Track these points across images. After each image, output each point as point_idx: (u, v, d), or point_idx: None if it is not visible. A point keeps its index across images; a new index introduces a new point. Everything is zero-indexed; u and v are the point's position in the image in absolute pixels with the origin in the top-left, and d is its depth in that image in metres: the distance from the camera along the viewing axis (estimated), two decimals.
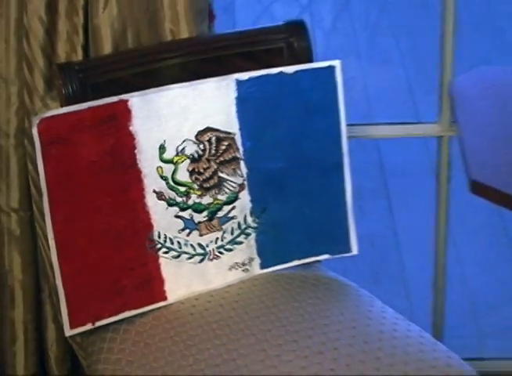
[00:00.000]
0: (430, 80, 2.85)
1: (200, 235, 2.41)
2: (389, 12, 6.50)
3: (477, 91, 2.60)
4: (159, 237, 2.37)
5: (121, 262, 2.36)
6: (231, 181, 2.41)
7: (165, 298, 2.40)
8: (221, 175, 2.39)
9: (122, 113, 2.27)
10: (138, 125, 2.29)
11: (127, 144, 2.29)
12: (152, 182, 2.33)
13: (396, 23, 6.20)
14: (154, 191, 2.34)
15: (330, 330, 2.30)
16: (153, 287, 2.39)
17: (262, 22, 2.43)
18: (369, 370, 2.20)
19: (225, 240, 2.43)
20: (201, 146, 2.36)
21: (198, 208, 2.39)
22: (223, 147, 2.38)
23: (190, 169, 2.36)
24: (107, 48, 2.47)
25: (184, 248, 2.40)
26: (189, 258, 2.41)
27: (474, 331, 3.29)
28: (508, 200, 2.17)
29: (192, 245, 2.41)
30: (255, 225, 2.45)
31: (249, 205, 2.43)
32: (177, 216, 2.38)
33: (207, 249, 2.42)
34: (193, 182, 2.37)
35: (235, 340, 2.27)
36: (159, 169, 2.33)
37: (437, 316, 3.07)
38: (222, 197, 2.41)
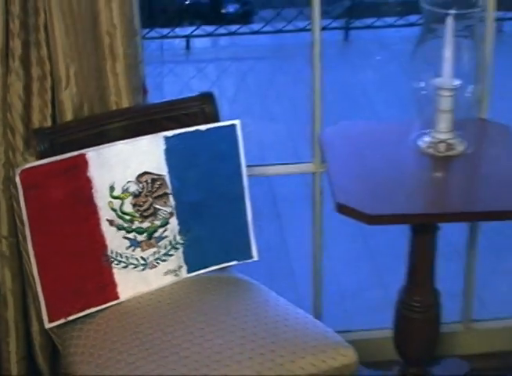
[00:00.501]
0: (306, 132, 2.88)
1: (142, 250, 2.44)
2: (275, 83, 6.55)
3: (339, 139, 2.63)
4: (112, 253, 2.40)
5: (84, 272, 2.38)
6: (163, 210, 2.44)
7: (118, 298, 2.43)
8: (156, 206, 2.43)
9: (81, 164, 2.30)
10: (94, 172, 2.32)
11: (85, 186, 2.32)
12: (105, 213, 2.36)
13: (281, 91, 6.24)
14: (107, 219, 2.37)
15: (239, 316, 2.35)
16: (108, 289, 2.41)
17: (183, 94, 2.47)
18: (268, 343, 2.25)
19: (161, 254, 2.46)
20: (140, 185, 2.39)
21: (140, 231, 2.42)
22: (156, 186, 2.41)
23: (133, 203, 2.40)
24: (69, 116, 2.48)
25: (130, 260, 2.42)
26: (135, 267, 2.43)
27: (342, 311, 3.33)
28: (362, 215, 2.23)
29: (136, 258, 2.43)
30: (182, 241, 2.48)
31: (177, 227, 2.47)
32: (124, 237, 2.40)
33: (148, 260, 2.45)
34: (135, 212, 2.40)
35: (170, 326, 2.31)
36: (110, 203, 2.36)
37: (316, 303, 3.11)
38: (157, 222, 2.44)
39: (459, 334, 3.21)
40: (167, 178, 2.43)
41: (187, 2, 9.69)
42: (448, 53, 2.38)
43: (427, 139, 2.50)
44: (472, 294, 3.18)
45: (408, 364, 2.69)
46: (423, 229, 2.46)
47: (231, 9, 10.12)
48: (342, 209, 2.25)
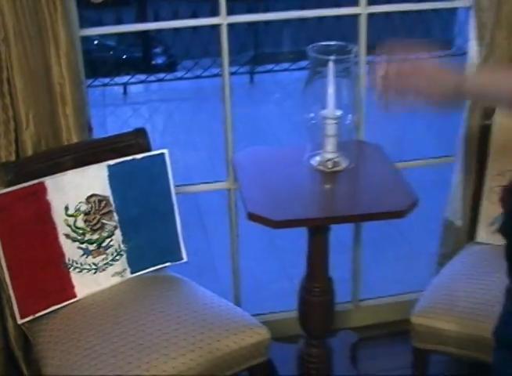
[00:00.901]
0: (222, 157, 2.88)
1: (93, 257, 2.42)
2: (197, 119, 6.57)
3: (248, 161, 2.64)
4: (69, 261, 2.38)
5: (47, 277, 2.37)
6: (109, 224, 2.43)
7: (75, 297, 2.41)
8: (103, 221, 2.41)
9: (41, 190, 2.29)
10: (51, 196, 2.30)
11: (45, 207, 2.30)
12: (62, 229, 2.34)
13: (201, 126, 6.26)
14: (64, 234, 2.35)
15: (174, 306, 2.35)
16: (67, 290, 2.40)
17: (122, 130, 2.46)
18: (199, 327, 2.26)
19: (108, 259, 2.45)
20: (90, 205, 2.38)
21: (91, 242, 2.41)
22: (103, 205, 2.40)
23: (84, 219, 2.38)
24: (29, 152, 2.45)
25: (84, 266, 2.41)
26: (88, 271, 2.42)
27: (257, 299, 3.34)
28: (269, 221, 2.24)
29: (89, 264, 2.42)
30: (125, 248, 2.47)
31: (121, 237, 2.46)
32: (78, 247, 2.39)
33: (98, 265, 2.43)
34: (87, 226, 2.39)
35: (119, 317, 2.31)
36: (65, 221, 2.35)
37: (236, 293, 3.11)
38: (105, 234, 2.42)
39: (350, 311, 3.23)
40: (111, 199, 2.42)
41: (124, 57, 9.68)
42: (331, 90, 2.40)
43: (317, 158, 2.51)
44: (359, 279, 3.21)
45: (311, 337, 2.70)
46: (318, 230, 2.48)
47: (159, 60, 10.15)
48: (252, 217, 2.25)
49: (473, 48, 2.84)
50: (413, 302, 2.47)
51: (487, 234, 2.67)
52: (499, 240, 2.44)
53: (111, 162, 2.41)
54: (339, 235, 2.68)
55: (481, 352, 2.30)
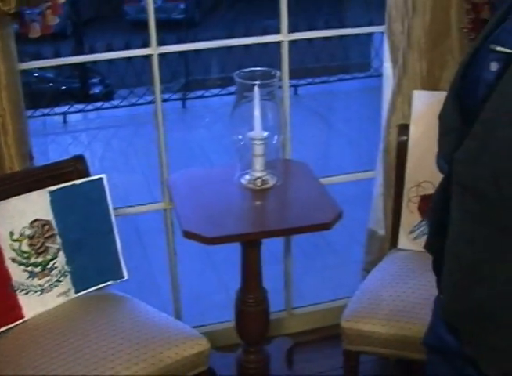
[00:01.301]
0: (158, 178, 2.88)
1: (39, 279, 2.39)
2: (134, 144, 6.56)
3: (182, 181, 2.64)
4: (16, 283, 2.34)
5: None
6: (52, 247, 2.40)
7: (23, 317, 2.37)
8: (46, 244, 2.38)
9: None
10: None
11: None
12: (8, 253, 2.31)
13: (138, 150, 6.25)
14: (10, 258, 2.31)
15: (118, 322, 2.33)
16: (15, 311, 2.36)
17: (62, 157, 2.46)
18: (142, 341, 2.25)
19: (53, 280, 2.42)
20: (33, 229, 2.35)
21: (36, 264, 2.37)
22: (46, 229, 2.37)
23: (29, 243, 2.35)
24: None
25: (31, 288, 2.37)
26: (34, 292, 2.38)
27: (197, 312, 3.33)
28: (203, 238, 2.24)
29: (34, 286, 2.38)
30: (69, 269, 2.44)
31: (64, 259, 2.43)
32: (24, 270, 2.35)
33: (44, 287, 2.40)
34: (31, 250, 2.36)
35: (66, 334, 2.29)
36: (11, 245, 2.31)
37: (176, 307, 3.10)
38: (49, 257, 2.39)
39: (284, 319, 3.24)
40: (54, 223, 2.39)
41: (63, 88, 9.62)
42: (257, 113, 2.43)
43: (247, 177, 2.53)
44: (291, 288, 3.22)
45: (248, 345, 2.70)
46: (250, 244, 2.49)
47: (96, 90, 10.12)
48: (188, 235, 2.26)
49: (388, 69, 2.90)
50: (343, 308, 2.50)
51: (408, 241, 2.71)
52: (419, 247, 2.50)
53: (52, 188, 2.38)
54: (271, 247, 2.70)
55: (406, 350, 2.35)
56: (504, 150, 1.22)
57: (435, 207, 1.53)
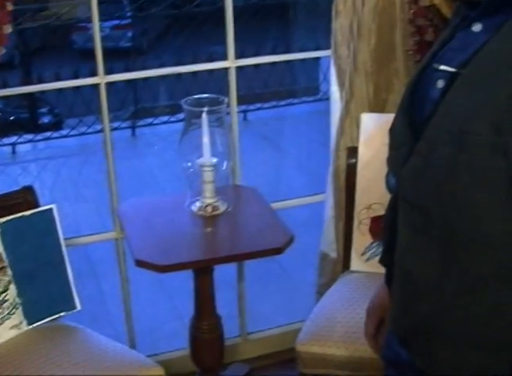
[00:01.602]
0: (108, 207, 2.86)
1: None
2: (84, 173, 6.53)
3: (133, 210, 2.63)
4: None
5: None
6: (3, 280, 2.37)
7: None
8: None
9: None
10: None
11: None
12: None
13: (89, 179, 6.23)
14: None
15: (72, 353, 2.31)
16: None
17: (13, 188, 2.44)
18: (97, 371, 2.23)
19: (5, 313, 2.38)
20: None
21: None
22: None
23: None
24: None
25: None
26: None
27: (151, 340, 3.31)
28: (155, 266, 2.23)
29: None
30: (21, 302, 2.41)
31: (15, 291, 2.40)
32: None
33: None
34: None
35: (19, 367, 2.26)
36: None
37: (130, 336, 3.07)
38: None
39: (239, 344, 3.23)
40: (4, 255, 2.36)
41: (11, 118, 9.54)
42: (205, 139, 2.43)
43: (197, 204, 2.53)
44: (245, 314, 3.22)
45: (204, 372, 2.69)
46: (203, 271, 2.48)
47: (45, 120, 10.06)
48: (139, 264, 2.25)
49: (335, 93, 2.92)
50: (298, 331, 2.50)
51: (360, 263, 2.73)
52: (372, 268, 2.51)
53: (2, 220, 2.35)
54: (223, 273, 2.69)
55: (363, 371, 2.35)
56: (445, 168, 1.25)
57: (387, 224, 1.55)
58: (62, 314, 2.53)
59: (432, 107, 1.35)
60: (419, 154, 1.31)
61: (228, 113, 2.74)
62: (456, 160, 1.23)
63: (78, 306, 2.55)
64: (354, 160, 2.72)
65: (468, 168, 1.22)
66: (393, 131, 1.51)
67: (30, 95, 9.42)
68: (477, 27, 1.32)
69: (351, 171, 2.73)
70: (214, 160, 2.47)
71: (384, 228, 1.61)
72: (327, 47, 2.90)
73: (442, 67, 1.35)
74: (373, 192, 2.65)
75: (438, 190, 1.27)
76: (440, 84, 1.35)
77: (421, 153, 1.31)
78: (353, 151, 2.73)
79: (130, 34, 12.93)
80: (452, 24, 1.45)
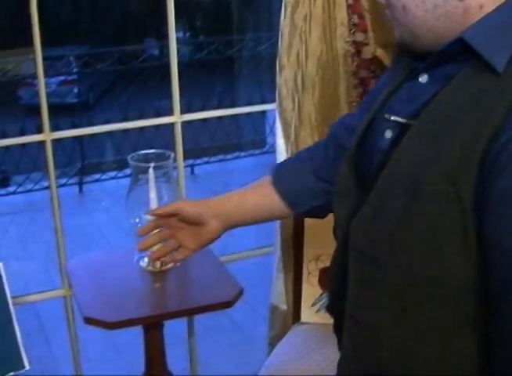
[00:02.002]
0: (57, 265, 2.83)
1: None
2: (32, 230, 6.46)
3: (82, 266, 2.60)
4: None
5: None
6: None
7: None
8: None
9: None
10: None
11: None
12: None
13: (36, 236, 6.16)
14: None
15: None
16: None
17: None
18: None
19: None
20: None
21: None
22: None
23: None
24: None
25: None
26: None
27: None
28: (104, 323, 2.21)
29: None
30: None
31: None
32: None
33: None
34: None
35: None
36: None
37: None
38: None
39: None
40: None
41: None
42: (152, 195, 2.42)
43: (146, 259, 2.51)
44: (197, 369, 3.18)
45: None
46: (152, 326, 2.46)
47: None
48: (88, 321, 2.22)
49: (281, 146, 2.95)
50: None
51: (310, 314, 2.73)
52: (322, 319, 2.52)
53: None
54: (174, 328, 2.67)
55: None
56: (399, 218, 1.26)
57: (333, 273, 1.56)
58: (10, 374, 2.47)
59: (381, 158, 1.37)
60: (371, 205, 1.33)
61: (175, 168, 2.75)
62: (410, 210, 1.25)
63: (27, 366, 2.49)
64: (301, 219, 2.73)
65: (423, 217, 1.24)
66: (339, 180, 1.53)
67: None
68: (423, 78, 1.36)
69: (299, 222, 2.74)
70: None
71: (330, 277, 1.62)
72: (273, 100, 2.93)
73: (393, 118, 1.38)
74: (321, 243, 2.66)
75: (390, 240, 1.29)
76: (388, 134, 1.38)
77: (373, 204, 1.33)
78: None
79: (76, 89, 12.92)
80: (398, 75, 1.48)
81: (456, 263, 1.23)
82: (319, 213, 1.87)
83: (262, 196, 1.89)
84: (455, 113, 1.25)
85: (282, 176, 1.88)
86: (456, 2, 1.28)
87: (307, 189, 1.82)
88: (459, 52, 1.29)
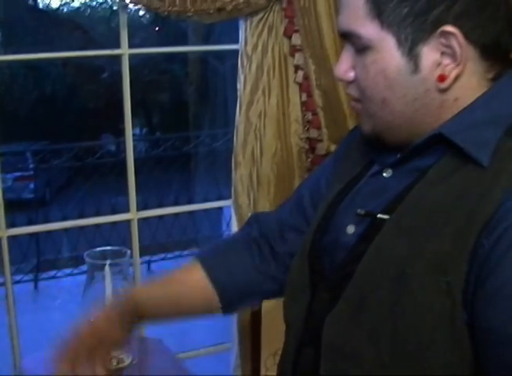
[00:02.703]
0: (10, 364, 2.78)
1: None
2: None
3: (37, 364, 2.56)
4: None
5: None
6: None
7: None
8: None
9: None
10: None
11: None
12: None
13: None
14: None
15: None
16: None
17: None
18: None
19: None
20: None
21: None
22: None
23: None
24: None
25: None
26: None
27: None
28: None
29: None
30: None
31: None
32: None
33: None
34: None
35: None
36: None
37: None
38: None
39: None
40: None
41: None
42: (108, 292, 2.40)
43: None
44: None
45: None
46: None
47: None
48: None
49: None
50: None
51: None
52: None
53: None
54: None
55: None
56: (384, 311, 1.25)
57: (285, 370, 1.54)
58: None
59: (345, 254, 1.36)
60: (348, 300, 1.31)
61: (131, 265, 2.74)
62: (395, 303, 1.23)
63: None
64: (258, 308, 2.73)
65: (409, 310, 1.22)
66: (291, 279, 1.51)
67: None
68: (388, 173, 1.37)
69: (256, 318, 2.73)
70: None
71: (281, 373, 1.59)
72: (229, 196, 2.96)
73: (358, 211, 1.37)
74: (278, 338, 2.65)
75: (373, 333, 1.26)
76: (351, 229, 1.37)
77: (350, 299, 1.30)
78: None
79: (33, 185, 12.87)
80: (353, 167, 1.49)
81: (444, 351, 1.20)
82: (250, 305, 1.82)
83: (190, 286, 1.79)
84: (437, 206, 1.24)
85: (216, 266, 1.77)
86: (435, 95, 1.30)
87: (245, 284, 1.75)
88: (433, 146, 1.30)
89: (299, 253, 1.52)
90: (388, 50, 1.30)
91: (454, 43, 1.26)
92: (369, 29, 1.30)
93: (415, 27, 1.27)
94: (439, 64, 1.28)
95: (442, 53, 1.28)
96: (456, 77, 1.28)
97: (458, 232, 1.20)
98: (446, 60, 1.28)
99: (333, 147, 2.82)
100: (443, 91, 1.30)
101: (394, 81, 1.31)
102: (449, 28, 1.25)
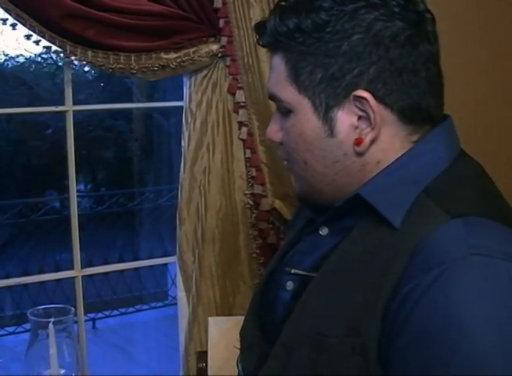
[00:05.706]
0: None
1: None
2: None
3: None
4: None
5: None
6: None
7: None
8: None
9: None
10: None
11: None
12: None
13: None
14: None
15: None
16: None
17: None
18: None
19: None
20: None
21: None
22: None
23: None
24: None
25: None
26: None
27: None
28: None
29: None
30: None
31: None
32: None
33: None
34: None
35: None
36: None
37: None
38: None
39: None
40: None
41: None
42: (52, 351, 2.37)
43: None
44: None
45: None
46: None
47: None
48: None
49: (182, 298, 2.96)
50: None
51: None
52: None
53: None
54: None
55: None
56: (304, 369, 1.26)
57: None
58: None
59: (283, 309, 1.38)
60: (275, 358, 1.33)
61: (76, 323, 2.72)
62: (315, 362, 1.25)
63: None
64: (203, 365, 2.71)
65: (328, 368, 1.24)
66: (243, 333, 1.53)
67: None
68: (324, 231, 1.39)
69: (202, 375, 2.72)
70: (62, 371, 2.41)
71: None
72: (174, 253, 2.96)
73: (293, 271, 1.39)
74: None
75: None
76: (289, 286, 1.39)
77: (278, 356, 1.32)
78: (202, 355, 2.73)
79: None
80: (297, 227, 1.51)
81: None
82: None
83: None
84: (353, 266, 1.27)
85: None
86: (355, 158, 1.33)
87: None
88: (356, 207, 1.32)
89: (248, 308, 1.53)
90: (305, 114, 1.34)
91: (367, 107, 1.29)
92: (288, 93, 1.34)
93: (329, 92, 1.30)
94: (356, 128, 1.32)
95: (359, 117, 1.31)
96: (373, 141, 1.32)
97: (369, 293, 1.22)
98: (363, 124, 1.31)
99: (277, 203, 2.85)
100: (361, 154, 1.33)
101: (312, 145, 1.35)
102: (362, 93, 1.28)
